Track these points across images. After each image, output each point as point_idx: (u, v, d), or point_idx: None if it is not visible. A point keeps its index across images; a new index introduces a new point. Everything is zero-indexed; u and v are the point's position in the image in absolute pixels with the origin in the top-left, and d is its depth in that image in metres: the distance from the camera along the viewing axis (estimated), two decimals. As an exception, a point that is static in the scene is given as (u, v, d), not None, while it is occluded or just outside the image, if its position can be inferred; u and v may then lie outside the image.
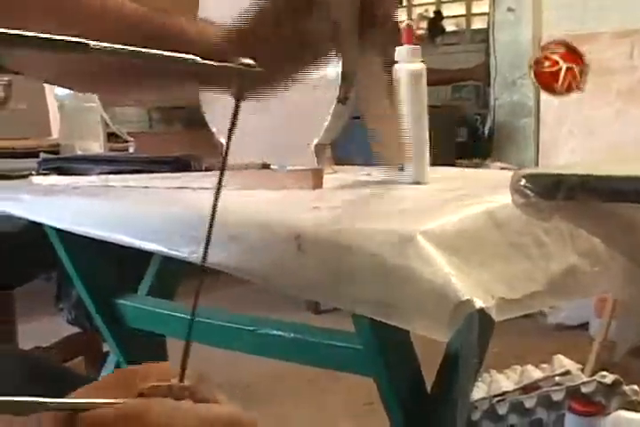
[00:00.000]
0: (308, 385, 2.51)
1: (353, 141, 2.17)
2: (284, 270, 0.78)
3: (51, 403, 0.45)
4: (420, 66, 1.08)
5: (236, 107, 0.46)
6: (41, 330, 2.66)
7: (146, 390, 0.47)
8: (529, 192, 0.54)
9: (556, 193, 0.53)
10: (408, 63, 1.08)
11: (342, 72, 1.14)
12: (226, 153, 0.50)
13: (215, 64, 0.45)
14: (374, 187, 1.07)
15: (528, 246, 0.73)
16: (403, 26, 1.12)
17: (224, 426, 0.46)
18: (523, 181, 0.54)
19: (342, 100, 1.17)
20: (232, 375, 2.61)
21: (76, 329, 2.21)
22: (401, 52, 1.08)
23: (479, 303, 0.68)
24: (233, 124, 0.47)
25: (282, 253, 0.78)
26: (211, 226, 0.53)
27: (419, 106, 1.08)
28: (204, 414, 0.46)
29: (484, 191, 0.92)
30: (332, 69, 1.15)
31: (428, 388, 1.04)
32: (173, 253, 0.88)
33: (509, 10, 3.62)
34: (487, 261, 0.76)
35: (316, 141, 1.20)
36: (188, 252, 0.86)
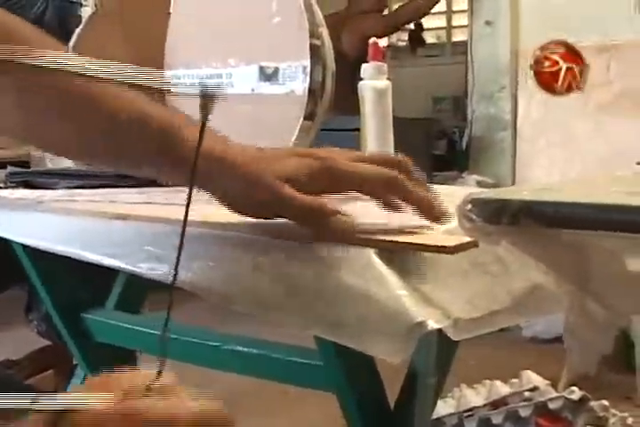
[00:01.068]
0: (286, 397, 2.50)
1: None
2: (241, 289, 0.78)
3: (41, 402, 0.46)
4: (385, 83, 1.08)
5: (202, 126, 0.47)
6: (16, 339, 2.65)
7: (129, 391, 0.49)
8: (475, 217, 0.54)
9: (501, 218, 0.54)
10: (373, 80, 1.08)
11: (309, 89, 1.15)
12: (193, 173, 0.51)
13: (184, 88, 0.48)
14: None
15: (489, 265, 0.73)
16: (370, 43, 1.13)
17: (214, 417, 0.50)
18: (469, 206, 0.54)
19: (309, 116, 1.18)
20: (209, 389, 2.60)
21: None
22: (367, 69, 1.09)
23: (432, 325, 0.68)
24: (200, 140, 0.48)
25: (239, 271, 0.78)
26: (181, 244, 0.53)
27: (384, 122, 1.09)
28: (195, 408, 0.49)
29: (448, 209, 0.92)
30: (299, 85, 1.16)
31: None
32: (133, 269, 0.88)
33: (487, 23, 3.64)
34: (445, 280, 0.76)
35: (283, 157, 1.20)
36: (147, 268, 0.85)
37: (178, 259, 0.52)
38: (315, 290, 0.73)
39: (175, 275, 0.55)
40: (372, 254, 0.71)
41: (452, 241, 0.63)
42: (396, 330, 0.67)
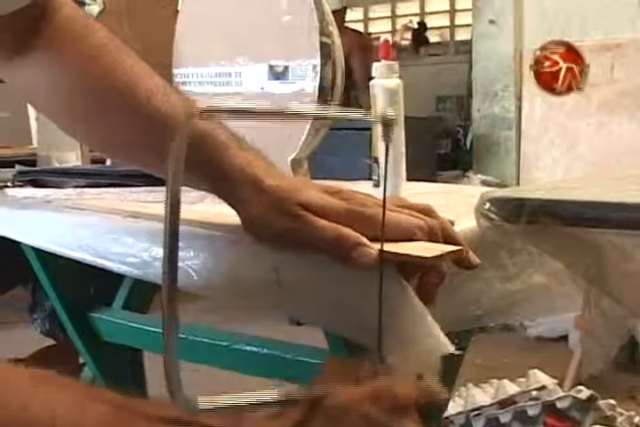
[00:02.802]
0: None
1: (332, 155, 2.17)
2: (260, 296, 0.77)
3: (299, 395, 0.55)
4: (396, 82, 1.08)
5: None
6: (20, 339, 2.64)
7: (362, 375, 0.58)
8: (493, 216, 0.54)
9: (520, 217, 0.53)
10: (384, 79, 1.08)
11: (319, 87, 1.15)
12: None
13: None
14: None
15: (485, 269, 0.73)
16: (381, 42, 1.12)
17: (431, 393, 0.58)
18: (487, 205, 0.54)
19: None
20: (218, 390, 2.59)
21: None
22: (378, 68, 1.08)
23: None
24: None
25: (258, 277, 0.77)
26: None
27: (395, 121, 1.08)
28: (418, 386, 0.58)
29: (454, 211, 0.91)
30: (309, 84, 1.15)
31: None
32: (135, 272, 0.87)
33: (491, 22, 3.63)
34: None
35: (292, 156, 1.20)
36: (153, 273, 0.85)
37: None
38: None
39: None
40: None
41: (433, 251, 0.63)
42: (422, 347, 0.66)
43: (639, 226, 0.53)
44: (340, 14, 4.39)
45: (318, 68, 1.12)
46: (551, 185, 0.64)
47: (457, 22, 5.81)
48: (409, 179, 1.14)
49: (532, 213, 0.53)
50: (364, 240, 0.65)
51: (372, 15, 6.58)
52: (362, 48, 4.47)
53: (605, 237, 0.55)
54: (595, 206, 0.53)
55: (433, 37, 5.85)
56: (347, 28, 4.56)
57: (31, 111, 2.68)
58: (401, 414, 0.56)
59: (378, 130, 1.07)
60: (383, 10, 6.41)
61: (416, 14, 6.13)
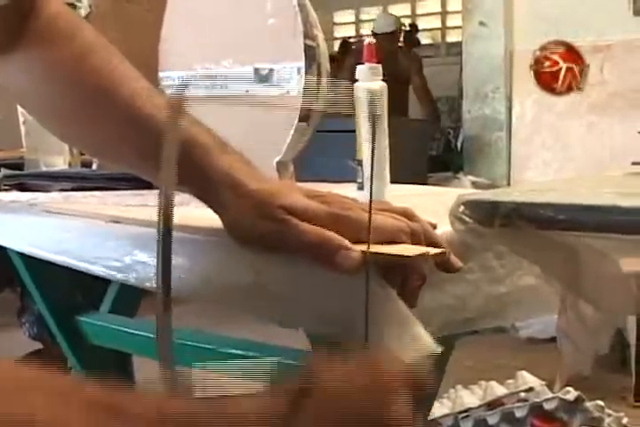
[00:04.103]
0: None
1: (322, 156, 2.17)
2: (241, 299, 0.77)
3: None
4: (380, 84, 1.08)
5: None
6: (8, 342, 2.64)
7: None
8: (467, 219, 0.54)
9: (494, 220, 0.54)
10: (368, 82, 1.08)
11: (304, 89, 1.15)
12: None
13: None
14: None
15: (473, 272, 0.73)
16: (365, 43, 1.13)
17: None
18: (461, 208, 0.54)
19: (304, 117, 1.17)
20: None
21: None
22: (361, 70, 1.08)
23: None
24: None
25: (238, 281, 0.77)
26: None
27: (378, 124, 1.08)
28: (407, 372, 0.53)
29: (439, 214, 0.91)
30: (294, 87, 1.16)
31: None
32: (117, 275, 0.87)
33: (481, 24, 3.64)
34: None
35: (277, 159, 1.20)
36: (135, 277, 0.85)
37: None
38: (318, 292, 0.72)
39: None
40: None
41: (415, 251, 0.63)
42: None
43: (611, 228, 0.53)
44: (393, 36, 4.46)
45: (303, 71, 1.12)
46: (528, 187, 0.64)
47: (448, 24, 5.83)
48: (399, 181, 1.14)
49: (505, 216, 0.53)
50: (348, 243, 0.64)
51: (363, 17, 6.59)
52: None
53: (579, 240, 0.56)
54: (566, 209, 0.53)
55: (424, 39, 5.87)
56: (401, 47, 4.69)
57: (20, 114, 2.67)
58: (391, 402, 0.52)
59: (362, 132, 1.08)
60: (375, 11, 6.42)
61: (407, 16, 6.14)
